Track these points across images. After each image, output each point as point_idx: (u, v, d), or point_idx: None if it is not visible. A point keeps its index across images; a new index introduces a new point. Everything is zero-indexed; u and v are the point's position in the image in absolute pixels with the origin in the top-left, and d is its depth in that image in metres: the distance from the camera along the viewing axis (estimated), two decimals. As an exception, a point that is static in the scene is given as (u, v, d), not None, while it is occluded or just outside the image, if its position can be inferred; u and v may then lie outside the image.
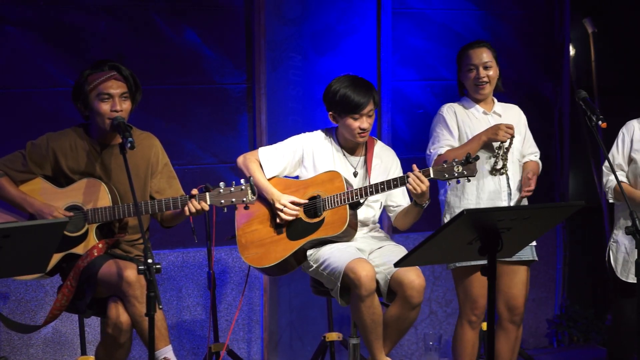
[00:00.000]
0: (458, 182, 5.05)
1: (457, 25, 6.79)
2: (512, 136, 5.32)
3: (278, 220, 5.16)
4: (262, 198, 5.20)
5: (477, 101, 5.49)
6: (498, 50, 5.53)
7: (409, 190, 5.05)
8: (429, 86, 6.75)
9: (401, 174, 5.31)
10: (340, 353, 6.06)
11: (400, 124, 6.69)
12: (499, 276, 5.37)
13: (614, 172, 5.22)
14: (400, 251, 5.13)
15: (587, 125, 5.26)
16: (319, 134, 5.35)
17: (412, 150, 6.65)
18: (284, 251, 5.15)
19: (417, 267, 5.02)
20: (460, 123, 5.43)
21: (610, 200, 5.50)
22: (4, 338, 5.88)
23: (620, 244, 5.50)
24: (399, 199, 5.33)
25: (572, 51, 7.16)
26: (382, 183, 5.04)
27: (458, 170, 4.94)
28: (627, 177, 5.49)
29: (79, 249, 4.80)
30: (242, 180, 4.75)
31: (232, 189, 4.73)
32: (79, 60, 5.76)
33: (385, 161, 5.35)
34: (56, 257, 4.78)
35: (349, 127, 5.19)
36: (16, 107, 5.86)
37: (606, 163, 5.37)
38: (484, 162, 5.39)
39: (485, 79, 5.42)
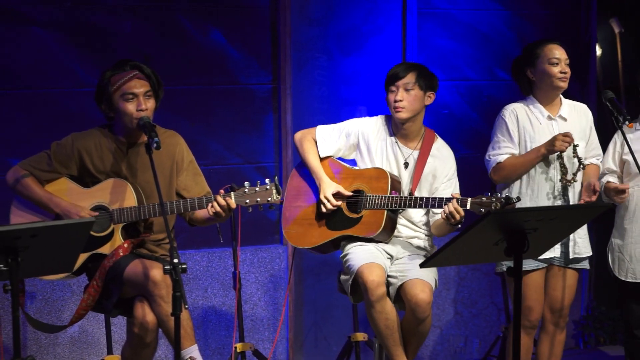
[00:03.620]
0: None
1: (483, 26, 6.77)
2: (572, 144, 5.19)
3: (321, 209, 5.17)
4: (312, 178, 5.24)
5: (544, 102, 5.32)
6: (523, 50, 5.50)
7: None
8: (455, 86, 6.72)
9: (449, 180, 5.23)
10: (365, 353, 6.04)
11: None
12: (546, 278, 5.36)
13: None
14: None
15: (614, 126, 5.24)
16: (376, 120, 5.30)
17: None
18: (319, 238, 5.18)
19: (427, 281, 4.94)
20: (520, 129, 5.29)
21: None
22: (31, 337, 5.90)
23: (614, 244, 5.53)
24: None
25: (598, 51, 7.13)
26: (421, 199, 4.97)
27: (496, 208, 4.81)
28: (618, 177, 5.48)
29: (105, 249, 4.81)
30: (267, 180, 4.75)
31: (257, 188, 4.73)
32: (105, 61, 5.76)
33: (438, 164, 5.23)
34: (82, 257, 4.79)
35: (389, 103, 5.13)
36: (42, 107, 5.88)
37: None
38: (540, 172, 5.29)
39: (569, 74, 5.28)
